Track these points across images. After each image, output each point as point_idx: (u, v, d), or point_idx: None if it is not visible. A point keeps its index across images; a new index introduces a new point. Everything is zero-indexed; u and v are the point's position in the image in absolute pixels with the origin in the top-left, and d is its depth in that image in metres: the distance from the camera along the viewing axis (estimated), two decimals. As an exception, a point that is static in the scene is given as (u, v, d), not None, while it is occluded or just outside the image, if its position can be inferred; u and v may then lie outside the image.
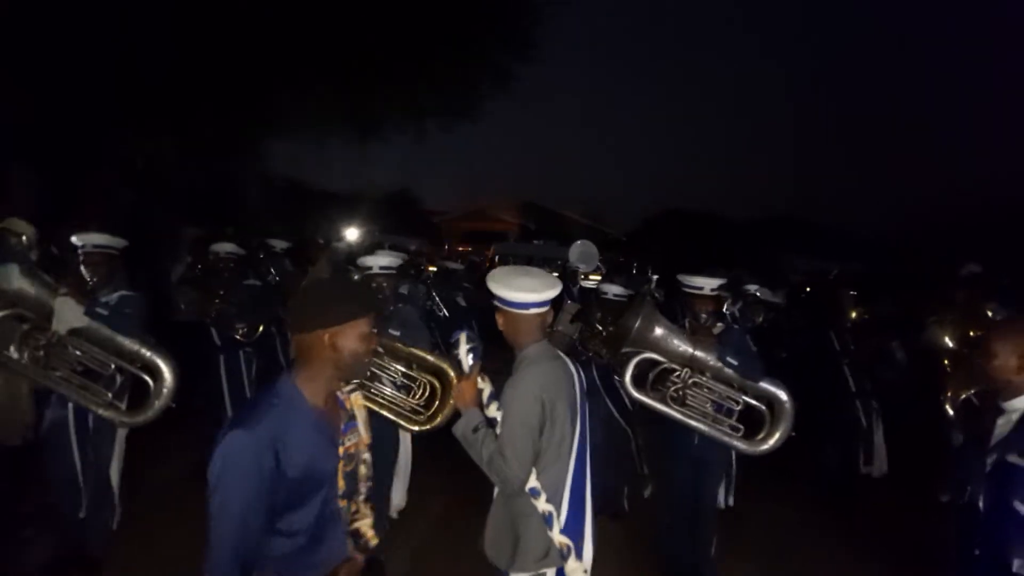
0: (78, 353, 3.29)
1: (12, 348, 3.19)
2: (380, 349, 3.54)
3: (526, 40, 10.02)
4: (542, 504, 2.27)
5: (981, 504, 2.15)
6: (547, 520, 2.27)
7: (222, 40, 7.02)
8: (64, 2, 5.92)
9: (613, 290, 4.95)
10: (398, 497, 4.15)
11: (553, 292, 2.34)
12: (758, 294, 6.93)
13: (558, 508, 2.29)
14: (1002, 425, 2.18)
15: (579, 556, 2.29)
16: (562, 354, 2.45)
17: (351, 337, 1.83)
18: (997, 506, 2.10)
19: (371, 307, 1.92)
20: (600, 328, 4.83)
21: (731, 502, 4.07)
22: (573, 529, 2.30)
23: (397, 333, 3.56)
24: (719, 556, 3.97)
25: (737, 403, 3.53)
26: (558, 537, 2.27)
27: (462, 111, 10.70)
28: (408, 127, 10.63)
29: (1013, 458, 2.06)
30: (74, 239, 4.06)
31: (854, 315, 5.65)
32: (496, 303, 2.38)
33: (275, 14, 7.28)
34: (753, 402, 3.53)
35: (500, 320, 2.39)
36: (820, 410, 5.76)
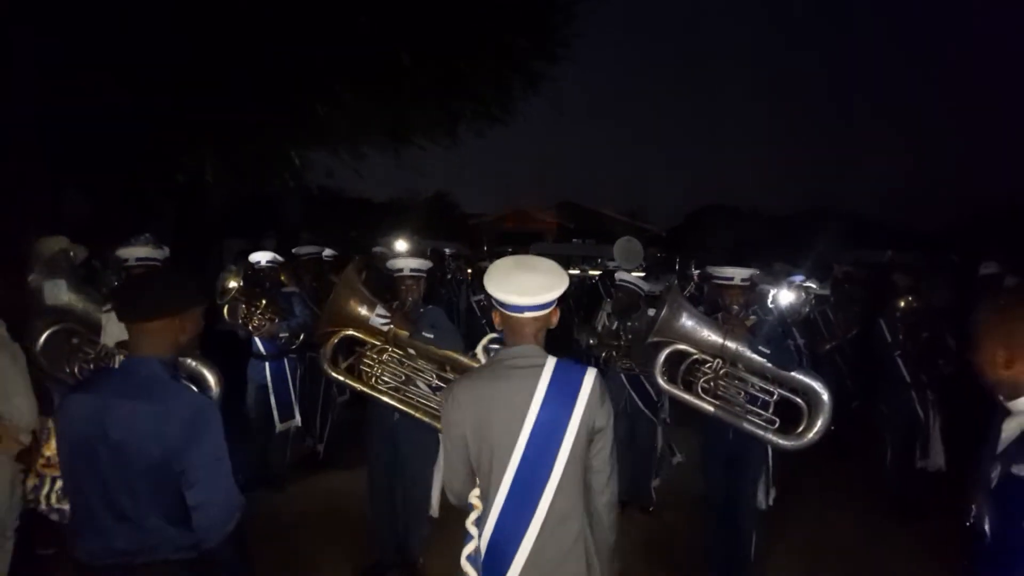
0: (125, 365, 3.39)
1: (63, 362, 3.31)
2: (413, 352, 3.58)
3: (557, 40, 9.94)
4: (469, 522, 2.08)
5: (987, 527, 1.74)
6: (466, 539, 2.09)
7: (257, 56, 7.19)
8: (106, 23, 6.14)
9: (628, 279, 5.07)
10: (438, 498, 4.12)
11: (553, 294, 2.01)
12: (805, 285, 6.76)
13: (479, 533, 2.01)
14: (1009, 430, 1.76)
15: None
16: (550, 361, 2.03)
17: (197, 320, 2.10)
18: (1003, 529, 1.68)
19: (206, 296, 2.19)
20: (613, 324, 4.95)
21: (771, 502, 3.96)
22: (490, 562, 1.97)
23: (431, 336, 3.56)
24: (765, 556, 3.86)
25: (771, 395, 3.43)
26: (463, 561, 2.06)
27: (495, 115, 10.69)
28: (441, 133, 10.68)
29: (1018, 469, 1.65)
30: (119, 252, 4.22)
31: (902, 304, 5.45)
32: (492, 300, 2.14)
33: (308, 27, 7.43)
34: (788, 395, 3.42)
35: (496, 319, 2.12)
36: (875, 402, 5.59)
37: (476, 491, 2.07)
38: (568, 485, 1.96)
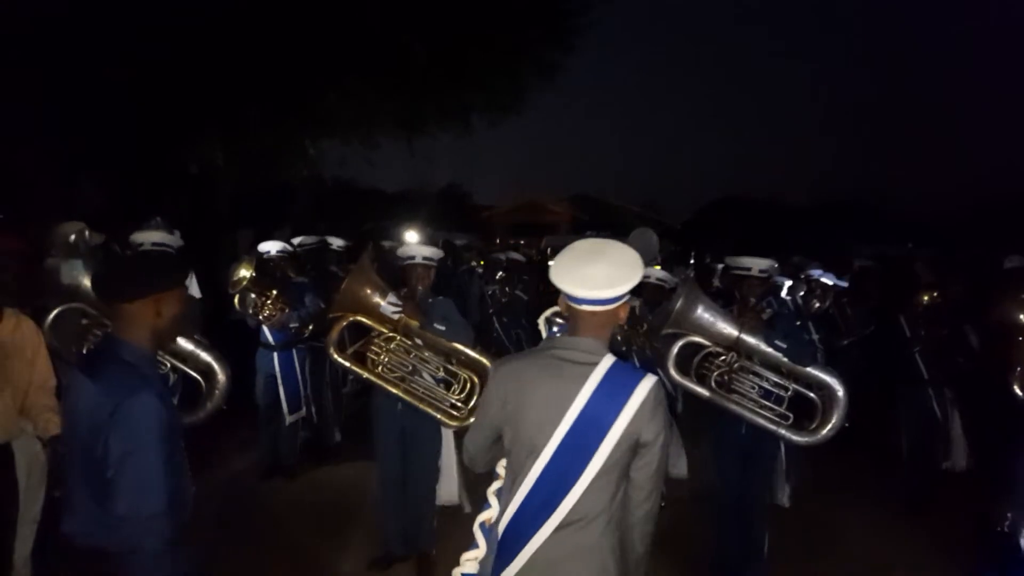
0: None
1: (72, 342, 3.32)
2: (420, 342, 3.55)
3: (570, 29, 9.84)
4: (491, 491, 2.02)
5: (1022, 540, 1.67)
6: (483, 506, 2.04)
7: (269, 47, 7.20)
8: (119, 17, 6.18)
9: (656, 275, 4.89)
10: (446, 493, 4.08)
11: (618, 289, 1.84)
12: (823, 279, 6.66)
13: (501, 511, 1.95)
14: None
15: (497, 562, 1.93)
16: (606, 360, 1.88)
17: (174, 302, 2.00)
18: None
19: (184, 276, 2.12)
20: (639, 320, 4.82)
21: (786, 501, 3.88)
22: (502, 547, 1.91)
23: (442, 328, 3.53)
24: (776, 553, 3.81)
25: (786, 390, 3.36)
26: (475, 527, 2.03)
27: (508, 105, 10.61)
28: (454, 123, 10.62)
29: None
30: (134, 237, 4.24)
31: (925, 299, 5.34)
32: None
33: (319, 18, 7.42)
34: (803, 390, 3.36)
35: (561, 305, 1.99)
36: (892, 399, 5.49)
37: (504, 461, 1.98)
38: (596, 492, 1.83)
